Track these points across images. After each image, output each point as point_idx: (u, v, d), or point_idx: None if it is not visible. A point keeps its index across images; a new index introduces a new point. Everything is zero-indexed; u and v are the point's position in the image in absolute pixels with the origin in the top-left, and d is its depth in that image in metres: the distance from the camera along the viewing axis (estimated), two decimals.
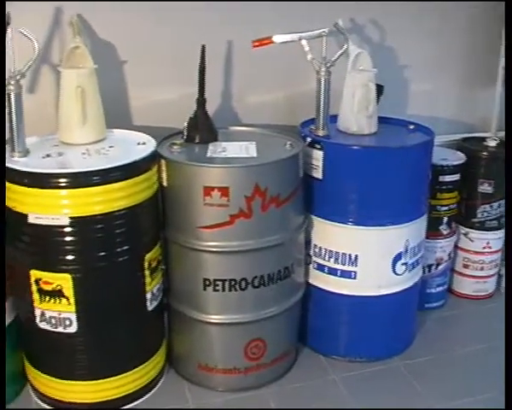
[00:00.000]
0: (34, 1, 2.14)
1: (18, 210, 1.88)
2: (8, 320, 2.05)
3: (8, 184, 1.88)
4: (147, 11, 2.26)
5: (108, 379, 2.05)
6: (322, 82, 2.18)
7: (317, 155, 2.15)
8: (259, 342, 2.14)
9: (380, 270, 2.23)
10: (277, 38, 2.17)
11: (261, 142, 2.15)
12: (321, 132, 2.20)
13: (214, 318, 2.08)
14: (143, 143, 2.04)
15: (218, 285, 2.02)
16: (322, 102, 2.19)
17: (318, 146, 2.15)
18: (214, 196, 1.92)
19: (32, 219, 1.86)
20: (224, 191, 1.91)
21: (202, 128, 2.13)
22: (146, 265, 1.99)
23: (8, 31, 1.88)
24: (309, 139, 2.17)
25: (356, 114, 2.22)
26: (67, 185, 1.82)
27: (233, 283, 2.02)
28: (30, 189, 1.84)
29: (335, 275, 2.23)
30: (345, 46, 2.19)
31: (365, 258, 2.20)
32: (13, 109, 1.91)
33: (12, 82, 1.88)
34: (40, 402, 2.13)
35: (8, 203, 1.90)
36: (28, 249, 1.92)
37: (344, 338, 2.35)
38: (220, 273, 2.01)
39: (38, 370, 2.08)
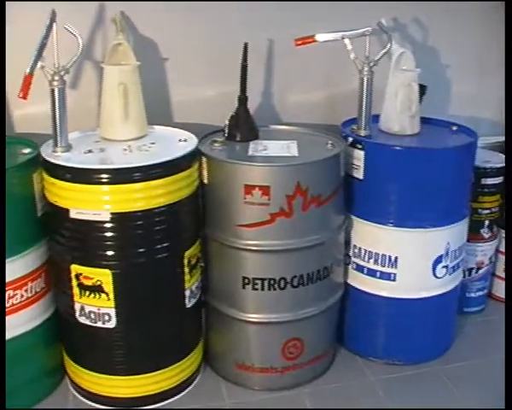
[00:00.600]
0: (79, 0, 2.16)
1: (60, 205, 1.89)
2: (47, 313, 2.08)
3: (50, 179, 1.90)
4: (188, 9, 2.27)
5: (146, 375, 2.05)
6: (365, 81, 2.16)
7: (359, 155, 2.13)
8: (297, 341, 2.13)
9: (420, 272, 2.21)
10: (320, 37, 2.15)
11: (302, 141, 2.13)
12: (362, 132, 2.18)
13: (252, 316, 2.07)
14: (184, 140, 2.04)
15: (257, 284, 2.02)
16: (364, 102, 2.17)
17: (360, 146, 2.13)
18: (255, 194, 1.91)
19: (73, 214, 1.87)
20: (265, 190, 1.90)
21: (243, 126, 2.13)
22: (185, 262, 1.99)
23: (53, 26, 1.90)
24: (350, 139, 2.15)
25: (398, 114, 2.20)
26: (109, 181, 1.83)
27: (272, 282, 2.01)
28: (72, 184, 1.85)
29: (374, 276, 2.21)
30: (388, 45, 2.16)
31: (405, 260, 2.17)
32: (56, 105, 1.92)
33: (56, 77, 1.90)
34: (78, 395, 2.15)
35: (50, 198, 1.93)
36: (69, 244, 1.93)
37: (382, 340, 2.33)
38: (259, 272, 2.01)
39: (77, 363, 2.10)
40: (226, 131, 2.12)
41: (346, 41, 2.14)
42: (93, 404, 2.11)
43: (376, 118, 2.27)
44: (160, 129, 2.17)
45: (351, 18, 2.29)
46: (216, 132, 2.16)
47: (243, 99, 2.12)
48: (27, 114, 2.28)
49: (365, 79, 2.15)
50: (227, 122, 2.12)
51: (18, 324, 1.99)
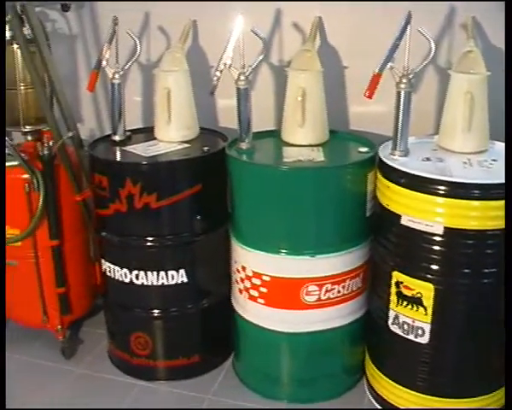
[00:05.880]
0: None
1: (391, 209, 1.87)
2: (359, 313, 2.10)
3: (385, 181, 1.89)
4: None
5: (446, 399, 1.97)
6: None
7: None
8: None
9: None
10: None
11: None
12: None
13: None
14: None
15: None
16: None
17: None
18: None
19: (404, 221, 1.84)
20: None
21: None
22: None
23: (407, 29, 1.87)
24: None
25: None
26: (445, 194, 1.76)
27: None
28: (406, 190, 1.81)
29: None
30: None
31: None
32: (401, 108, 1.91)
33: (404, 80, 1.88)
34: (372, 400, 2.14)
35: (383, 200, 1.92)
36: (394, 250, 1.91)
37: None
38: None
39: (379, 369, 2.08)
40: None
41: None
42: None
43: None
44: (500, 145, 2.03)
45: None
46: None
47: None
48: (363, 112, 2.30)
49: None
50: None
51: (330, 317, 2.04)
